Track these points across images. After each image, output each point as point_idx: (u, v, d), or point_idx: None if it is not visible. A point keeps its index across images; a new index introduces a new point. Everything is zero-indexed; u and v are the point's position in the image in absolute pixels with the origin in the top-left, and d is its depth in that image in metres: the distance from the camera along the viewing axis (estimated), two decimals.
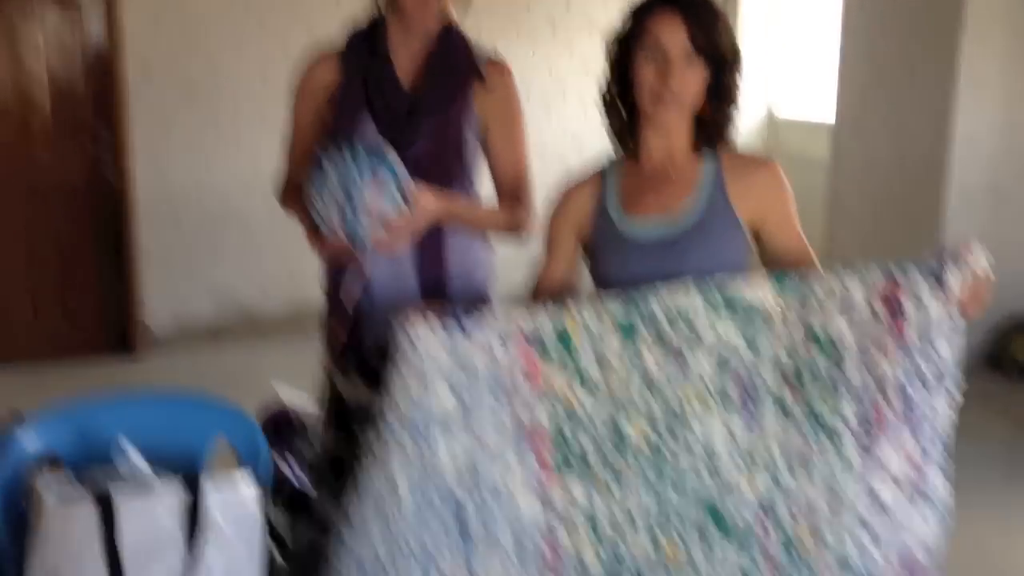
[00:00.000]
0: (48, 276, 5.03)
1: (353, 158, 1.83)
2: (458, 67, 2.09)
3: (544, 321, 1.69)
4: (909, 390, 1.65)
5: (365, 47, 2.10)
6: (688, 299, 1.67)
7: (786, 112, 6.03)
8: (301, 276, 4.07)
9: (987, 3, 4.37)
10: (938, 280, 1.63)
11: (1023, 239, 4.60)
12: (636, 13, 1.79)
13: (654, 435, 1.69)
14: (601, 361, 1.68)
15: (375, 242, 1.88)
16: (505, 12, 5.42)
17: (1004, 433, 4.34)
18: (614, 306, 1.69)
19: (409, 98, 2.06)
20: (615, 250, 1.82)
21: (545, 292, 1.90)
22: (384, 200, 1.84)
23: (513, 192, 2.15)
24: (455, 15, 2.11)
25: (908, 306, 1.63)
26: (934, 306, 1.63)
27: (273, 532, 2.55)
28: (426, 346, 1.67)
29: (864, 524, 1.68)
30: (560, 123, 5.59)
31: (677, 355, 1.67)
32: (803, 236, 1.84)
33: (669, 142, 1.82)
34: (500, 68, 2.14)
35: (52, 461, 2.00)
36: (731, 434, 1.68)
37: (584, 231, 1.87)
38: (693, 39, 1.73)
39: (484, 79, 2.10)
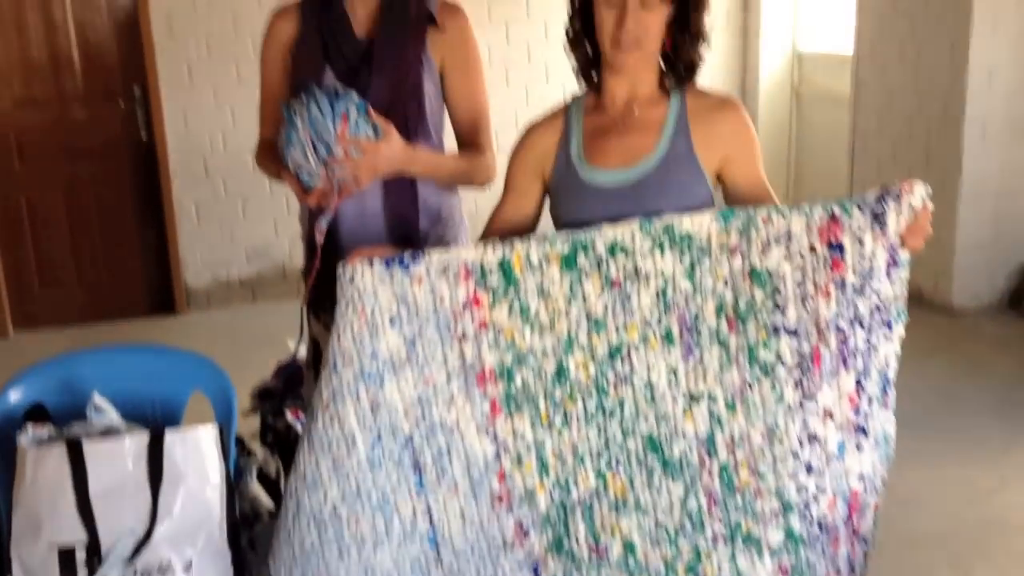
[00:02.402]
0: (90, 237, 5.14)
1: (316, 102, 1.86)
2: (409, 13, 2.09)
3: (488, 255, 1.70)
4: (845, 328, 1.65)
5: None
6: (629, 232, 1.68)
7: (811, 46, 5.88)
8: None
9: None
10: (876, 218, 1.63)
11: None
12: None
13: (596, 371, 1.71)
14: (544, 295, 1.70)
15: (351, 170, 1.88)
16: None
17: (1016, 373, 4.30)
18: (557, 241, 1.69)
19: (363, 46, 2.08)
20: (575, 195, 1.82)
21: (497, 230, 1.89)
22: (354, 130, 1.86)
23: (472, 138, 2.16)
24: None
25: (846, 243, 1.63)
26: (871, 243, 1.63)
27: (264, 476, 2.72)
28: (364, 282, 1.69)
29: (798, 458, 1.70)
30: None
31: (619, 289, 1.68)
32: (764, 178, 1.84)
33: (632, 86, 1.81)
34: (453, 9, 2.14)
35: (38, 413, 2.09)
36: (671, 369, 1.70)
37: (546, 173, 1.87)
38: None
39: (436, 22, 2.10)
